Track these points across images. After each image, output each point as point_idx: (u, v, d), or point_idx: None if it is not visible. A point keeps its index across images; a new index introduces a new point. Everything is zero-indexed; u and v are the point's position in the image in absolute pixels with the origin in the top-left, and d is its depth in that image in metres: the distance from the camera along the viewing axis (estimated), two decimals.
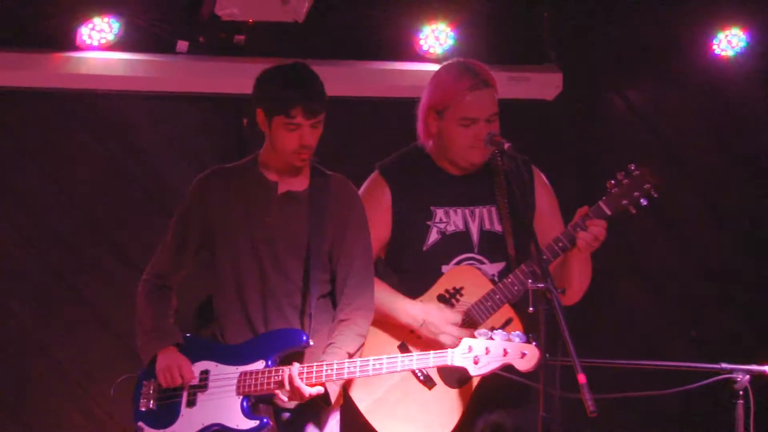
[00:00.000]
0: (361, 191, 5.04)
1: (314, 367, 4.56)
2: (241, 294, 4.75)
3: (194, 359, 4.73)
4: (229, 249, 4.78)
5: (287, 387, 4.54)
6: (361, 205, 4.86)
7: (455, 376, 4.82)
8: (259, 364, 4.64)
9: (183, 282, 4.92)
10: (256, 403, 4.66)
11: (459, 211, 5.00)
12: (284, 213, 4.77)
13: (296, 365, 4.56)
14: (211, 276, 4.84)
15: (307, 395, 4.54)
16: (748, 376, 4.81)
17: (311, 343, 4.65)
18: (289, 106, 4.62)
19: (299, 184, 4.81)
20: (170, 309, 4.84)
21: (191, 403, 4.69)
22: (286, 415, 4.73)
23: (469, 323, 4.84)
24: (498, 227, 4.99)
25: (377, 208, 4.99)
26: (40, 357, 6.84)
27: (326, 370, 4.56)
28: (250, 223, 4.76)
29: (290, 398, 4.58)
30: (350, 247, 4.77)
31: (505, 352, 4.46)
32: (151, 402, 4.75)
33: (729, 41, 7.25)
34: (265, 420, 4.62)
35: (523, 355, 4.44)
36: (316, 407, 4.68)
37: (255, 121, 4.79)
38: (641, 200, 4.81)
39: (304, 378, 4.55)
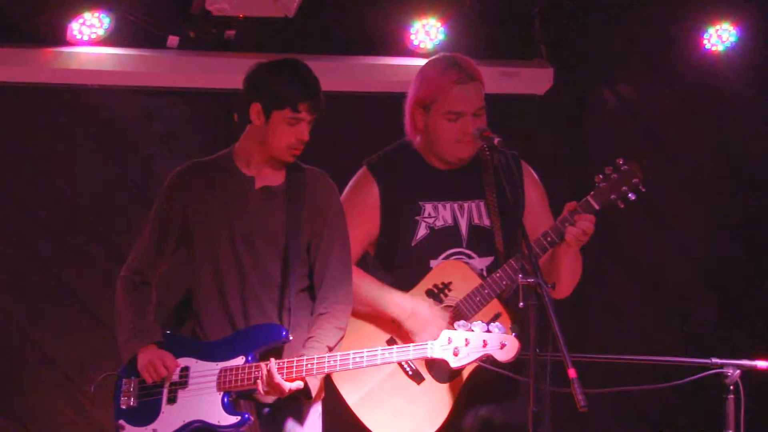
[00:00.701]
0: (348, 187, 5.04)
1: (294, 362, 4.56)
2: (220, 289, 4.74)
3: (174, 356, 4.70)
4: (207, 245, 4.76)
5: (265, 383, 4.54)
6: (338, 199, 4.86)
7: (444, 371, 4.82)
8: (239, 360, 4.63)
9: (162, 277, 4.89)
10: (236, 399, 4.65)
11: (448, 205, 5.00)
12: (262, 208, 4.75)
13: (273, 360, 4.55)
14: (190, 271, 4.82)
15: (286, 390, 4.54)
16: (738, 371, 4.81)
17: (291, 338, 4.65)
18: (297, 101, 4.63)
19: (276, 178, 4.79)
20: (150, 306, 4.82)
21: (172, 400, 4.68)
22: (267, 410, 4.73)
23: (458, 318, 4.84)
24: (486, 222, 4.99)
25: (365, 204, 4.99)
26: (32, 353, 6.84)
27: (306, 364, 4.56)
28: (228, 218, 4.75)
29: (269, 393, 4.58)
30: (328, 240, 4.76)
31: (485, 343, 4.47)
32: (132, 399, 4.73)
33: (720, 36, 7.26)
34: (246, 416, 4.62)
35: (503, 345, 4.46)
36: (296, 401, 4.68)
37: (244, 114, 4.77)
38: (629, 195, 4.82)
39: (284, 373, 4.54)
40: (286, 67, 4.73)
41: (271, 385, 4.53)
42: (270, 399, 4.68)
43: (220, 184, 4.79)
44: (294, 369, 4.56)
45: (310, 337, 4.66)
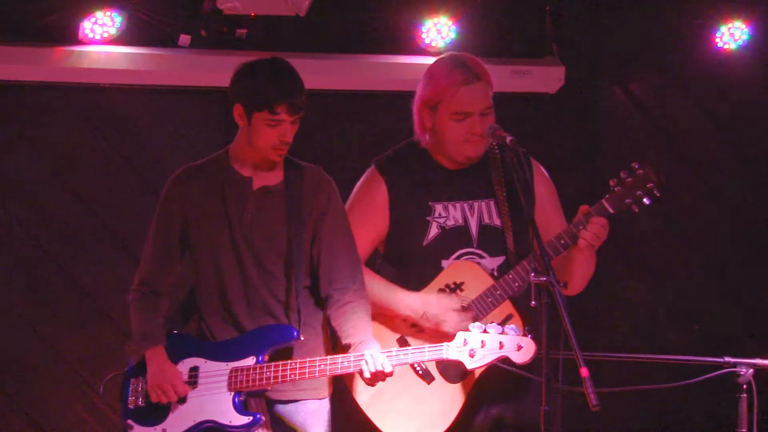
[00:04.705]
0: (357, 186, 5.04)
1: (307, 361, 4.60)
2: (223, 292, 4.74)
3: (183, 356, 4.71)
4: (208, 248, 4.76)
5: (373, 371, 4.54)
6: (337, 192, 4.84)
7: (454, 371, 4.81)
8: (250, 360, 4.64)
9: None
10: (247, 398, 4.66)
11: (458, 205, 4.99)
12: (261, 208, 4.75)
13: (368, 353, 4.56)
14: (192, 272, 4.82)
15: (390, 371, 4.57)
16: (751, 370, 4.80)
17: (302, 338, 4.66)
18: (274, 102, 4.59)
19: (274, 178, 4.78)
20: (157, 312, 4.81)
21: (181, 399, 4.67)
22: (279, 407, 4.75)
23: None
24: (497, 221, 4.98)
25: (374, 203, 4.98)
26: (44, 351, 6.85)
27: (319, 365, 4.59)
28: (228, 221, 4.74)
29: (374, 381, 4.58)
30: (332, 234, 4.76)
31: (501, 345, 4.47)
32: (140, 399, 4.73)
33: (732, 34, 7.25)
34: (258, 416, 4.62)
35: (520, 347, 4.46)
36: (307, 399, 4.73)
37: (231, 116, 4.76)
38: (644, 199, 4.79)
39: (296, 373, 4.58)
40: (262, 68, 4.70)
41: (377, 374, 4.55)
42: (283, 396, 4.71)
43: (217, 186, 4.78)
44: (307, 369, 4.58)
45: (356, 328, 4.67)
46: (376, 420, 4.86)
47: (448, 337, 4.63)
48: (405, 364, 4.68)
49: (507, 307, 4.87)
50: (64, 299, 6.90)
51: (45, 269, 6.88)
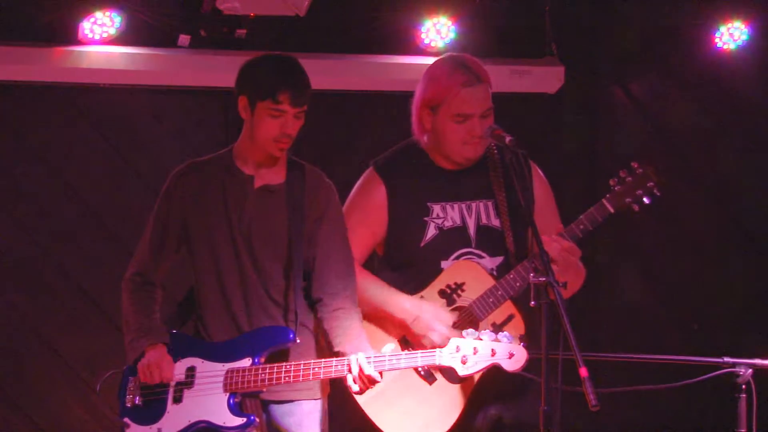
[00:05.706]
0: (356, 188, 5.04)
1: (301, 364, 4.58)
2: (222, 290, 4.74)
3: (180, 355, 4.70)
4: (208, 246, 4.75)
5: (358, 377, 4.52)
6: (336, 197, 4.84)
7: (456, 373, 4.81)
8: (246, 362, 4.63)
9: (168, 273, 4.88)
10: (242, 399, 4.65)
11: (456, 206, 4.98)
12: (261, 207, 4.74)
13: (361, 354, 4.54)
14: (192, 272, 4.82)
15: (380, 379, 4.55)
16: (750, 370, 4.79)
17: (298, 340, 4.66)
18: (276, 91, 4.59)
19: (276, 177, 4.78)
20: (155, 305, 4.81)
21: (177, 399, 4.68)
22: (274, 407, 4.75)
23: (469, 320, 4.83)
24: (495, 222, 4.97)
25: (372, 205, 4.97)
26: (43, 351, 6.85)
27: (314, 368, 4.58)
28: (228, 218, 4.74)
29: (362, 389, 4.55)
30: (328, 238, 4.76)
31: (493, 353, 4.46)
32: (137, 398, 4.73)
33: (731, 34, 7.26)
34: (251, 417, 4.62)
35: (511, 355, 4.45)
36: (302, 399, 4.73)
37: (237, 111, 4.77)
38: (644, 198, 4.80)
39: (291, 376, 4.57)
40: (269, 60, 4.72)
41: (363, 378, 4.53)
42: (278, 397, 4.71)
43: (219, 183, 4.78)
44: (301, 371, 4.58)
45: (350, 333, 4.66)
46: (377, 420, 4.85)
47: (434, 345, 4.65)
48: (397, 369, 4.68)
49: (509, 308, 4.86)
50: (64, 299, 6.90)
51: (45, 269, 6.88)
